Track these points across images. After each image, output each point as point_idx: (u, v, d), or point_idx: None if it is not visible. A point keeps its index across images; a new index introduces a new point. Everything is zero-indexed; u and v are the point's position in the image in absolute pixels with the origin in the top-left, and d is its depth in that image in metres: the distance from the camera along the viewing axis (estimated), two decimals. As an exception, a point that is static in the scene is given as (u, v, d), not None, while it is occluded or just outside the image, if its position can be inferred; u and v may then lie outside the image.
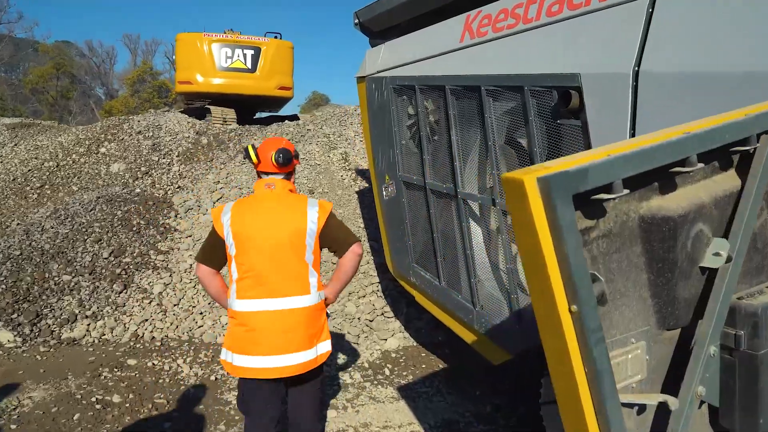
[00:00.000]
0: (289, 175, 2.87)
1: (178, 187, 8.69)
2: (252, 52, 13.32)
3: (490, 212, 3.70)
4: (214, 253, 2.75)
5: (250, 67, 13.31)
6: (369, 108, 4.99)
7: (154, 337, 5.57)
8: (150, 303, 5.95)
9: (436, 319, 5.66)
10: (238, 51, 13.23)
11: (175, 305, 5.97)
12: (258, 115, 16.29)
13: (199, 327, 5.72)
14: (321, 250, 2.81)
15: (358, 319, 5.65)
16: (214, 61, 13.08)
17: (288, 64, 13.95)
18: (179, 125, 10.78)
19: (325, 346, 2.78)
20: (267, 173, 2.81)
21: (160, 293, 6.09)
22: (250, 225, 2.65)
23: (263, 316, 2.63)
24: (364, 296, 5.93)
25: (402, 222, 4.61)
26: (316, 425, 2.92)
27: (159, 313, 5.83)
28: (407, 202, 4.54)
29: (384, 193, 4.84)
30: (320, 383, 2.89)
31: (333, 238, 2.78)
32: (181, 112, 14.11)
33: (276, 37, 13.89)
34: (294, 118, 14.71)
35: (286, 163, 2.75)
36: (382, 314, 5.71)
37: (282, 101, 14.87)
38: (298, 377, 2.72)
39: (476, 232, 3.80)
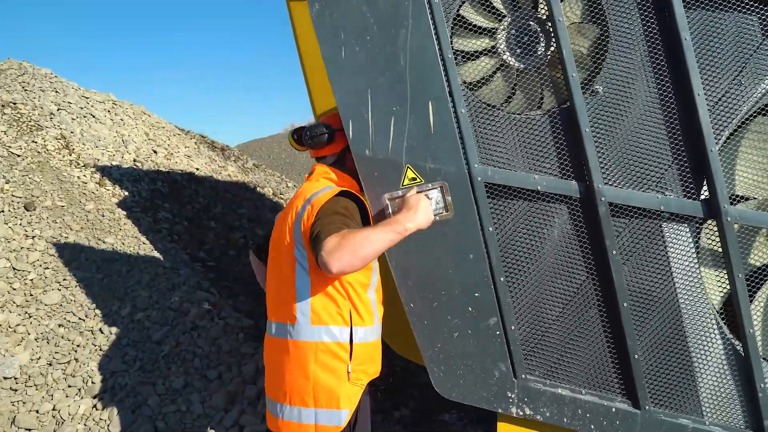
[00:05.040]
0: (333, 158, 2.03)
1: None
2: None
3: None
4: None
5: None
6: (344, 25, 2.20)
7: None
8: None
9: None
10: None
11: None
12: None
13: None
14: None
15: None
16: None
17: None
18: None
19: (325, 416, 1.75)
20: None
21: None
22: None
23: (266, 342, 1.96)
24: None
25: (467, 286, 2.05)
26: None
27: None
28: (498, 232, 2.03)
29: (390, 211, 2.11)
30: None
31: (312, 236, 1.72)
32: None
33: None
34: None
35: (302, 142, 2.03)
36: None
37: None
38: None
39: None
